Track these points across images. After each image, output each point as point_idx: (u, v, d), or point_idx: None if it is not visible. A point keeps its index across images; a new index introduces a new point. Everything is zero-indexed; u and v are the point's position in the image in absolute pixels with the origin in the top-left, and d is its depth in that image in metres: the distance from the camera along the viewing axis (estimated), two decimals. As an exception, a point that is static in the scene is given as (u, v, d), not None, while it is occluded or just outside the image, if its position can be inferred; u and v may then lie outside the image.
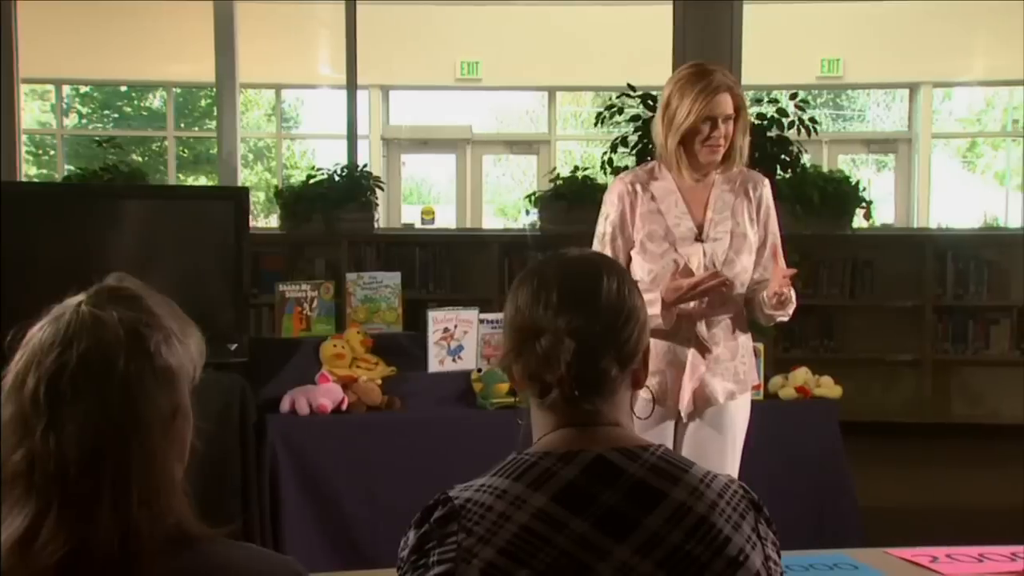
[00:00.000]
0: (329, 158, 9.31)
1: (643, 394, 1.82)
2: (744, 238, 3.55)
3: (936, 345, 8.53)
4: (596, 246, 3.62)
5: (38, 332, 1.48)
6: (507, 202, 16.71)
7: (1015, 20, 13.22)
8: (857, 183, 8.40)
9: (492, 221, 15.64)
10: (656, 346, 3.40)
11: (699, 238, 3.52)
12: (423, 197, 15.91)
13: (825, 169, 9.02)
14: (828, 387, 4.92)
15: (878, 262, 8.51)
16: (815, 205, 7.83)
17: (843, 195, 8.17)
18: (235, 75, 8.93)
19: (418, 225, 11.13)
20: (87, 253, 4.60)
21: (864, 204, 8.36)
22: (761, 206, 3.62)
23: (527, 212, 9.31)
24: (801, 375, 4.90)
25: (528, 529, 1.56)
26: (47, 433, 1.41)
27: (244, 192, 4.96)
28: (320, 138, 15.96)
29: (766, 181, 3.67)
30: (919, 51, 14.09)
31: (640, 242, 3.54)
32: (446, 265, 8.54)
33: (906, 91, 15.73)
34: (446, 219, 13.48)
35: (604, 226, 3.62)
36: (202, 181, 16.20)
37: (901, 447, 7.72)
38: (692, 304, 3.46)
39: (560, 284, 1.71)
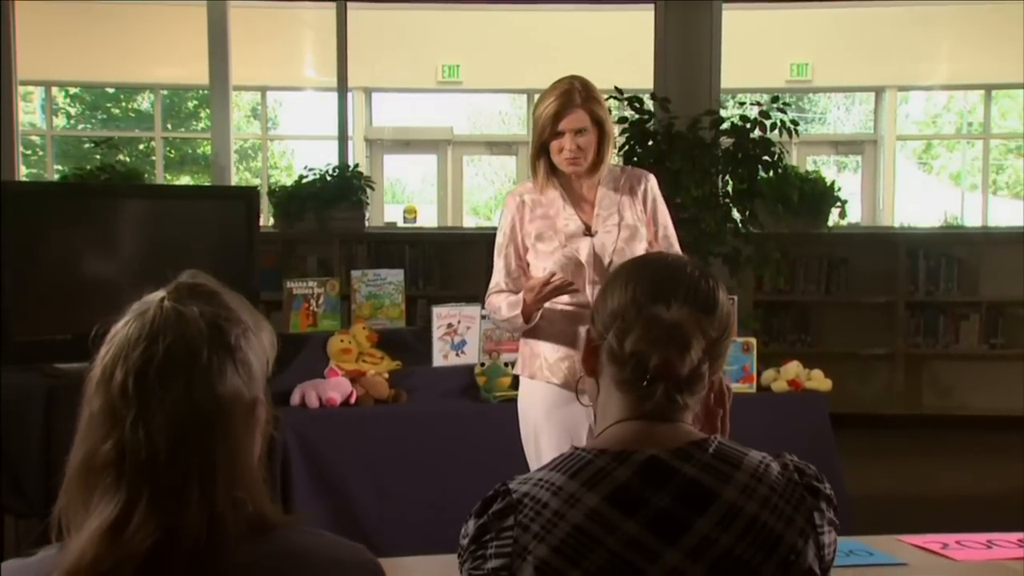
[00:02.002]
0: (310, 159, 9.32)
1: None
2: (633, 230, 3.66)
3: (908, 340, 8.63)
4: (495, 255, 3.76)
5: (123, 328, 1.48)
6: (479, 201, 16.70)
7: (975, 26, 13.41)
8: (832, 183, 8.48)
9: (466, 220, 15.62)
10: (564, 332, 3.58)
11: (588, 233, 3.63)
12: (397, 196, 15.87)
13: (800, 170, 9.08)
14: (819, 380, 4.96)
15: (853, 259, 8.60)
16: (794, 204, 7.89)
17: (820, 195, 8.25)
18: (228, 77, 8.88)
19: (400, 224, 11.12)
20: (97, 252, 4.59)
21: (839, 203, 8.44)
22: (647, 199, 3.74)
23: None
24: (793, 368, 4.93)
25: (581, 529, 1.55)
26: (136, 423, 1.42)
27: (254, 192, 4.95)
28: (305, 139, 15.88)
29: (650, 176, 3.80)
30: (885, 56, 14.17)
31: (532, 244, 3.65)
32: (435, 262, 8.57)
33: (866, 95, 15.87)
34: (424, 218, 13.45)
35: (499, 236, 3.75)
36: (185, 180, 16.13)
37: (874, 438, 7.78)
38: (588, 292, 3.56)
39: (686, 283, 1.71)
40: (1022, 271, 8.43)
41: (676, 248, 3.73)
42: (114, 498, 1.41)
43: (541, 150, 3.62)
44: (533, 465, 3.54)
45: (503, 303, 3.62)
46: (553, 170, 3.65)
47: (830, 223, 8.46)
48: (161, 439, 1.41)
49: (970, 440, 7.91)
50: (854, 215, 13.51)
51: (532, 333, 3.64)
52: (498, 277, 3.70)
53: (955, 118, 16.49)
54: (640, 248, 3.65)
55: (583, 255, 3.58)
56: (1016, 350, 8.58)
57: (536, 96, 3.70)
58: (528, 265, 3.67)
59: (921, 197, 15.66)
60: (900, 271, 8.58)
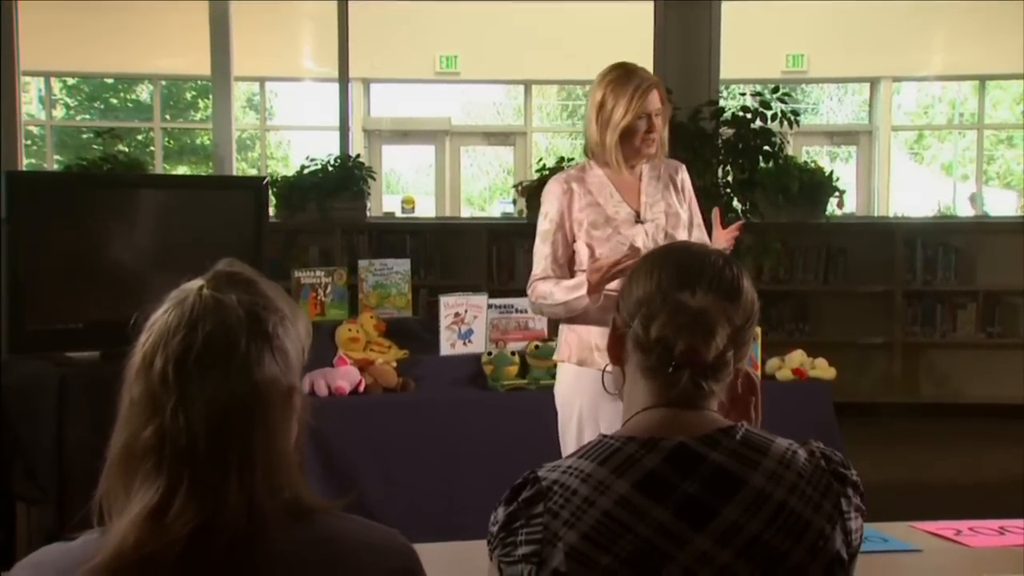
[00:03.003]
0: (305, 149, 9.34)
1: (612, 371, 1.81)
2: (678, 217, 3.71)
3: (906, 328, 8.68)
4: (538, 242, 3.72)
5: (162, 315, 1.49)
6: (472, 192, 16.70)
7: (970, 18, 13.42)
8: (831, 173, 8.49)
9: (462, 210, 15.63)
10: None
11: (638, 220, 3.65)
12: (392, 187, 15.86)
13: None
14: (823, 369, 4.99)
15: (851, 249, 8.62)
16: (793, 194, 7.90)
17: (818, 185, 8.26)
18: (230, 69, 8.84)
19: (398, 214, 11.11)
20: (107, 241, 4.57)
21: (838, 193, 8.46)
22: (684, 189, 3.80)
23: (514, 201, 9.36)
24: (797, 357, 4.95)
25: (610, 516, 1.56)
26: (176, 410, 1.42)
27: (263, 182, 4.94)
28: (302, 130, 15.85)
29: (683, 167, 3.84)
30: (880, 47, 14.18)
31: (585, 231, 3.64)
32: (436, 252, 8.58)
33: (859, 85, 15.91)
34: (420, 209, 13.48)
35: (544, 223, 3.71)
36: (182, 170, 16.10)
37: (872, 426, 7.82)
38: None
39: (710, 271, 1.71)
40: (1018, 260, 8.47)
41: (705, 237, 3.76)
42: (155, 483, 1.42)
43: (621, 136, 3.60)
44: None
45: (555, 288, 3.59)
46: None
47: (828, 213, 8.47)
48: (201, 426, 1.42)
49: (967, 428, 7.95)
50: (850, 205, 13.57)
51: (582, 319, 3.62)
52: (544, 263, 3.67)
53: (947, 108, 16.51)
54: (683, 235, 3.69)
55: (639, 242, 3.58)
56: (1013, 339, 8.64)
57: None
58: (575, 252, 3.67)
59: (913, 187, 15.69)
60: (898, 260, 8.62)
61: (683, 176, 3.79)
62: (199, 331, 1.45)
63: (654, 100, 3.58)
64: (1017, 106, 16.01)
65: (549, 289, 3.62)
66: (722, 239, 3.60)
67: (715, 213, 3.69)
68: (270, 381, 1.48)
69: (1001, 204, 15.34)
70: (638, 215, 3.65)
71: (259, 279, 1.57)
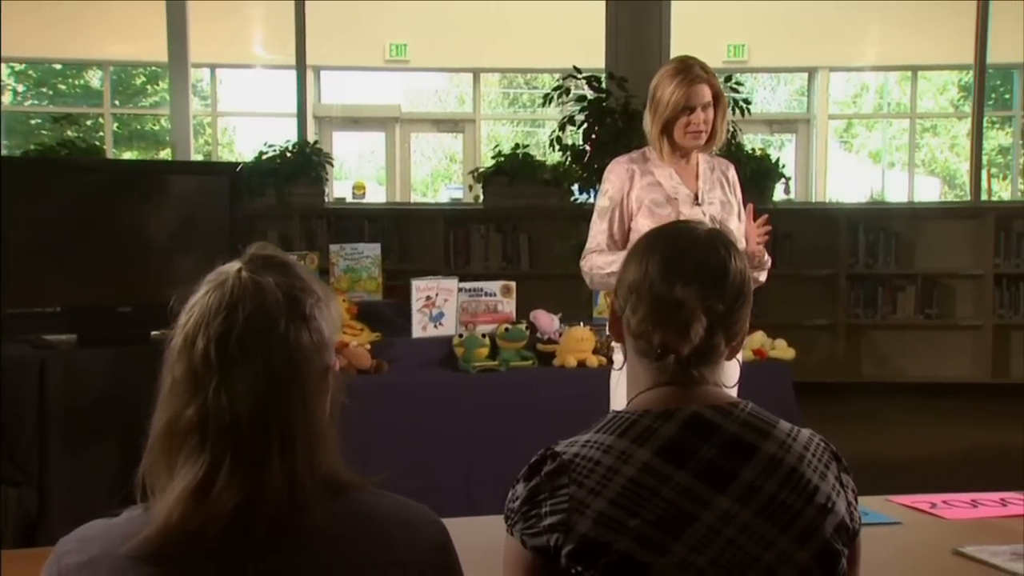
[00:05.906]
0: (253, 136, 9.28)
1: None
2: (731, 206, 3.81)
3: (849, 310, 8.81)
4: (595, 217, 3.79)
5: (202, 297, 1.49)
6: (416, 178, 16.67)
7: (904, 9, 13.59)
8: (777, 160, 8.56)
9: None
10: None
11: (697, 202, 3.72)
12: (338, 173, 15.78)
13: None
14: (782, 349, 5.05)
15: (796, 234, 8.71)
16: (745, 181, 7.95)
17: (765, 171, 8.32)
18: (187, 56, 8.76)
19: (349, 199, 11.05)
20: (84, 226, 4.48)
21: (784, 179, 8.54)
22: (734, 186, 3.88)
23: (470, 187, 9.35)
24: (758, 338, 5.00)
25: (635, 481, 1.59)
26: (219, 390, 1.43)
27: (237, 168, 4.89)
28: (256, 116, 15.68)
29: (733, 166, 3.92)
30: (817, 38, 14.34)
31: (646, 207, 3.71)
32: (394, 237, 8.54)
33: (793, 75, 16.09)
34: (369, 195, 13.42)
35: (603, 200, 3.79)
36: (129, 156, 15.92)
37: (818, 404, 7.86)
38: None
39: (695, 258, 1.73)
40: (953, 244, 8.65)
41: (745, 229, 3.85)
42: (198, 461, 1.43)
43: (664, 127, 3.66)
44: None
45: (607, 260, 3.67)
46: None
47: (775, 199, 8.55)
48: (243, 404, 1.43)
49: (908, 406, 8.08)
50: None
51: None
52: (600, 238, 3.75)
53: (875, 98, 16.73)
54: (735, 224, 3.76)
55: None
56: (949, 320, 8.80)
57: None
58: (629, 230, 3.73)
59: (845, 175, 15.91)
60: (841, 245, 8.73)
61: (732, 174, 3.89)
62: (240, 313, 1.46)
63: (698, 93, 3.61)
64: (941, 95, 16.27)
65: (603, 261, 3.68)
66: (754, 235, 3.65)
67: (748, 209, 3.73)
68: (308, 360, 1.49)
69: (928, 191, 15.61)
70: (696, 196, 3.72)
71: (293, 262, 1.58)
